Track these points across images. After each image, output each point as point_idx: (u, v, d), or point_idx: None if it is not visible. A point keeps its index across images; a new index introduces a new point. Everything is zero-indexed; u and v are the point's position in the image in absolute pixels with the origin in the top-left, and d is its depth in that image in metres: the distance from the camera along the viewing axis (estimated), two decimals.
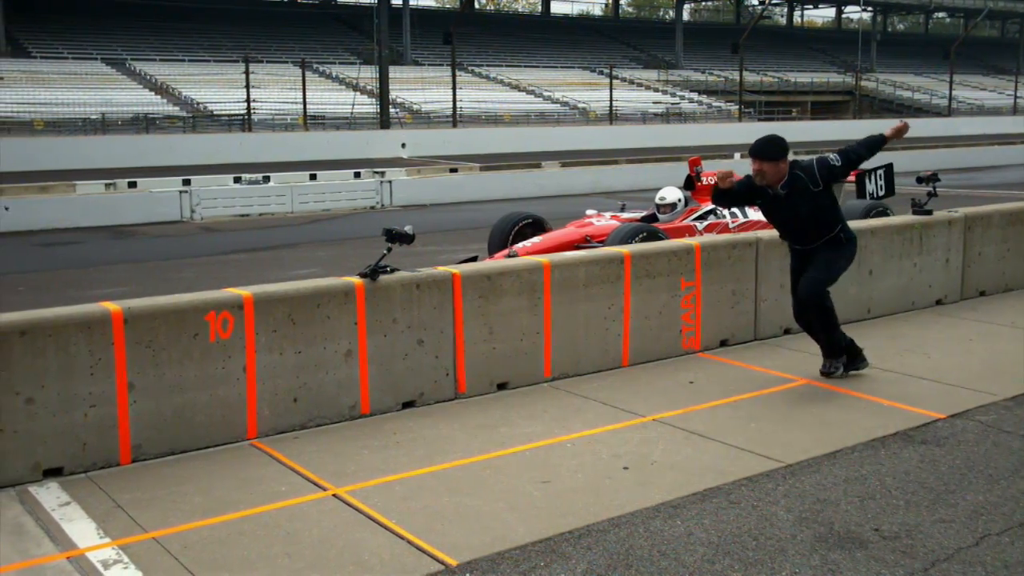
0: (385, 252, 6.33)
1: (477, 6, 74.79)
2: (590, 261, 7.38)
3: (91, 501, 5.02)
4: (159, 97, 40.00)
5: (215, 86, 40.54)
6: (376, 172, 23.97)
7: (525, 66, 55.48)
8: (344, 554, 4.46)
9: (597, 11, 77.18)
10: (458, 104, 37.95)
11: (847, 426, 6.16)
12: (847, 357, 7.20)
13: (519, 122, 42.35)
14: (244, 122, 35.78)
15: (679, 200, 11.75)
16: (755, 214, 11.54)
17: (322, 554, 4.46)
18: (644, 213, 12.08)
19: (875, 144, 6.97)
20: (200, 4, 50.47)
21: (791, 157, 6.98)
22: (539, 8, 72.18)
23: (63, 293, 11.44)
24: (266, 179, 22.13)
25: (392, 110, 39.27)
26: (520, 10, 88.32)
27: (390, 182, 22.96)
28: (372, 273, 6.32)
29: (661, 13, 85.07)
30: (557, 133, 38.44)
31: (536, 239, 10.86)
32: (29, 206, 19.07)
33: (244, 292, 5.93)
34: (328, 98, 40.91)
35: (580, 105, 47.15)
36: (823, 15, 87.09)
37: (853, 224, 8.77)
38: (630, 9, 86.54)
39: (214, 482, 5.28)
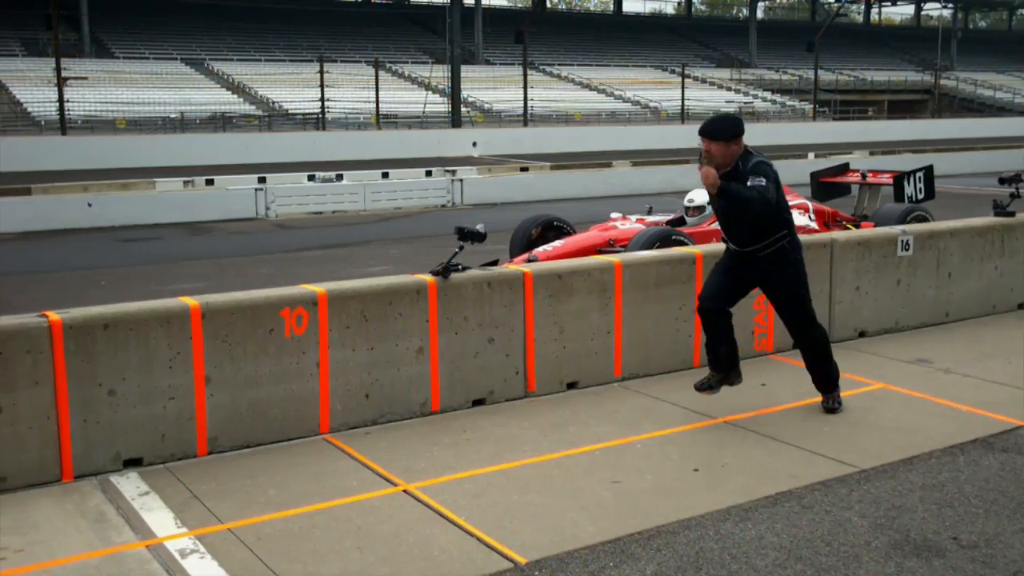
0: (457, 250, 6.36)
1: (549, 5, 74.82)
2: (662, 261, 7.34)
3: (169, 491, 5.14)
4: (236, 96, 40.73)
5: (290, 85, 41.12)
6: (447, 171, 24.11)
7: (596, 65, 55.31)
8: (414, 550, 4.50)
9: (669, 9, 76.70)
10: (529, 103, 37.99)
11: (924, 432, 6.03)
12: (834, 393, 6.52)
13: (590, 121, 42.23)
14: (318, 121, 36.27)
15: (707, 203, 11.24)
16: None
17: (393, 549, 4.50)
18: (672, 216, 11.72)
19: (742, 194, 5.96)
20: (277, 5, 51.28)
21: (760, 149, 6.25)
22: (611, 7, 71.85)
23: (143, 288, 11.72)
24: (339, 177, 22.40)
25: (463, 109, 39.46)
26: (592, 9, 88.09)
27: (461, 181, 23.07)
28: (444, 271, 6.36)
29: (735, 11, 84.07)
30: (628, 132, 38.24)
31: (557, 243, 10.47)
32: (111, 202, 19.57)
33: (318, 289, 6.01)
34: (400, 97, 41.24)
35: (651, 104, 46.86)
36: (902, 12, 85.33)
37: (886, 230, 8.59)
38: (703, 7, 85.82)
39: (287, 475, 5.36)
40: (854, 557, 4.40)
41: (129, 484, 5.25)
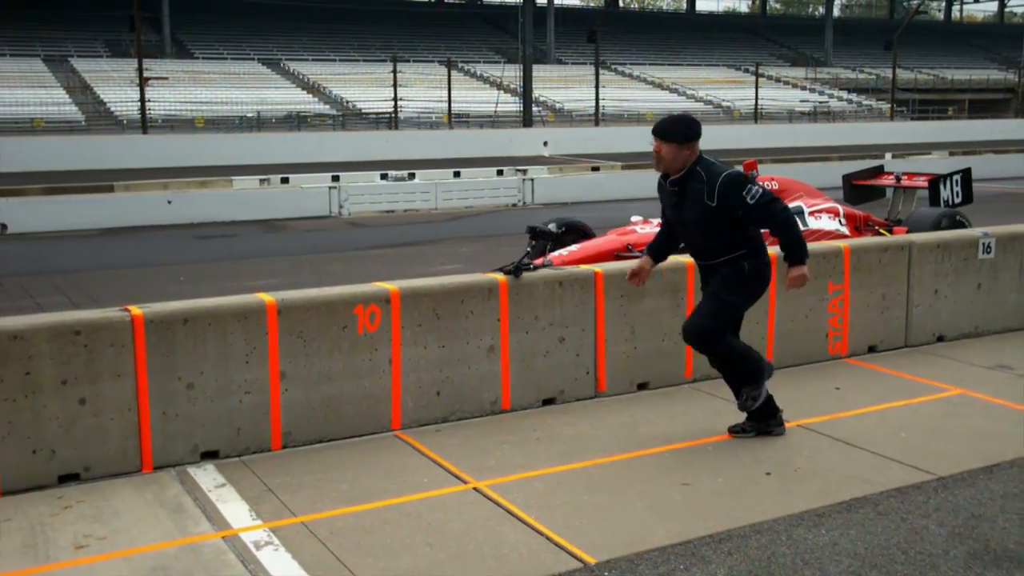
0: (529, 249, 6.38)
1: (621, 4, 74.49)
2: None
3: (244, 484, 5.24)
4: (311, 96, 41.31)
5: (364, 85, 41.57)
6: (518, 170, 24.16)
7: (668, 64, 54.97)
8: (484, 547, 4.52)
9: (743, 8, 75.85)
10: (600, 102, 37.89)
11: (1005, 439, 5.88)
12: (759, 418, 5.92)
13: None
14: (391, 120, 36.60)
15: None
16: (815, 222, 11.01)
17: (463, 546, 4.53)
18: None
19: (797, 241, 5.56)
20: (351, 5, 51.87)
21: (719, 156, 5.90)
22: (684, 6, 71.33)
23: (220, 284, 11.94)
24: (411, 176, 22.59)
25: (535, 108, 39.50)
26: (665, 8, 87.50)
27: (532, 180, 23.11)
28: (516, 270, 6.38)
29: (810, 9, 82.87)
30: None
31: (574, 247, 9.90)
32: (190, 200, 19.99)
33: (391, 286, 6.07)
34: (472, 96, 41.43)
35: (724, 104, 46.43)
36: (984, 9, 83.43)
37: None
38: (777, 6, 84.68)
39: (359, 471, 5.43)
40: (931, 566, 4.31)
41: (206, 476, 5.36)
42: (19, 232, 17.95)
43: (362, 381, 5.95)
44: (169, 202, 19.62)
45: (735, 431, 5.94)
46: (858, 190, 13.34)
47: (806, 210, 11.12)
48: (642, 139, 35.15)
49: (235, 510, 4.91)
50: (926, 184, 12.57)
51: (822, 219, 11.12)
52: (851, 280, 7.64)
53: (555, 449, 5.79)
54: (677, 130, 5.60)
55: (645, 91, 47.85)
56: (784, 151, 31.55)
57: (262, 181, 21.79)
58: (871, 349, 7.82)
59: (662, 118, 5.80)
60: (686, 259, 7.09)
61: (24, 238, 17.53)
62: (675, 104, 45.89)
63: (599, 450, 5.75)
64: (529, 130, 35.86)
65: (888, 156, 29.23)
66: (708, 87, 49.39)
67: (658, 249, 6.08)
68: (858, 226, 11.62)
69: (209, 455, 5.57)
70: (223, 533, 4.67)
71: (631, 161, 27.74)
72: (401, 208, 21.21)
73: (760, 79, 42.95)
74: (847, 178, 13.49)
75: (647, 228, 10.50)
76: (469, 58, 50.09)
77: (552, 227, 6.13)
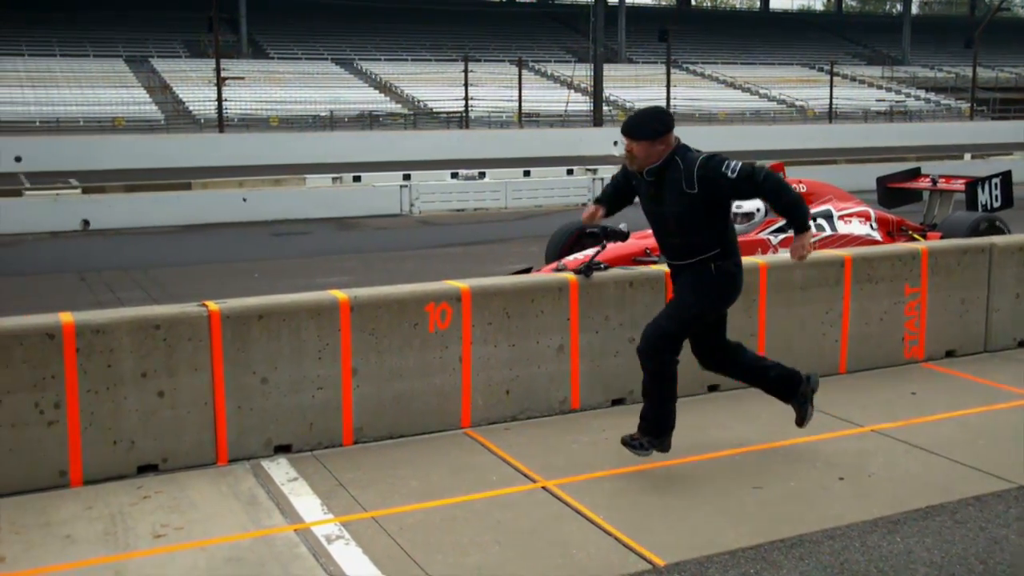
0: (600, 248, 6.37)
1: (693, 3, 73.89)
2: (808, 263, 7.16)
3: (316, 478, 5.31)
4: (383, 95, 41.71)
5: (435, 84, 41.86)
6: (588, 169, 24.12)
7: (741, 63, 54.39)
8: (552, 547, 4.52)
9: (818, 6, 74.70)
10: (672, 102, 37.64)
11: None
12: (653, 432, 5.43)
13: (733, 120, 41.57)
14: (462, 119, 36.79)
15: (757, 210, 10.68)
16: (845, 226, 10.74)
17: (531, 545, 4.54)
18: None
19: (792, 203, 5.24)
20: (424, 5, 52.29)
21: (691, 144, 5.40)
22: (757, 4, 70.48)
23: (294, 280, 12.13)
24: (481, 175, 22.70)
25: (605, 108, 39.38)
26: (738, 6, 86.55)
27: (602, 179, 23.01)
28: (586, 270, 6.37)
29: (887, 7, 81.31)
30: (773, 131, 37.49)
31: (589, 251, 9.53)
32: (264, 198, 20.34)
33: (462, 285, 6.11)
34: (543, 96, 41.48)
35: (798, 103, 45.81)
36: None
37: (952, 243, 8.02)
38: (853, 3, 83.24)
39: (429, 467, 5.47)
40: None
41: (279, 470, 5.44)
42: (100, 228, 18.44)
43: (432, 378, 5.99)
44: (244, 200, 19.98)
45: (627, 442, 5.40)
46: (893, 193, 12.85)
47: (835, 214, 10.85)
48: (714, 139, 35.12)
49: (307, 504, 4.98)
50: (963, 187, 12.12)
51: (852, 223, 10.88)
52: (929, 283, 7.49)
53: (624, 450, 5.74)
54: (645, 127, 5.24)
55: (717, 90, 47.44)
56: (859, 151, 31.01)
57: (335, 179, 22.09)
58: (949, 354, 7.65)
59: (630, 115, 5.48)
60: (760, 260, 7.03)
61: (105, 234, 18.01)
62: (747, 103, 45.41)
63: (669, 452, 5.70)
64: (599, 129, 35.79)
65: (967, 156, 28.59)
66: (781, 86, 48.78)
67: (610, 201, 5.72)
68: (891, 231, 11.25)
69: (282, 449, 5.66)
70: (295, 526, 4.74)
71: None
72: (471, 207, 21.31)
73: (835, 78, 42.32)
74: (881, 180, 12.99)
75: None
76: (540, 57, 50.14)
77: (623, 227, 6.09)
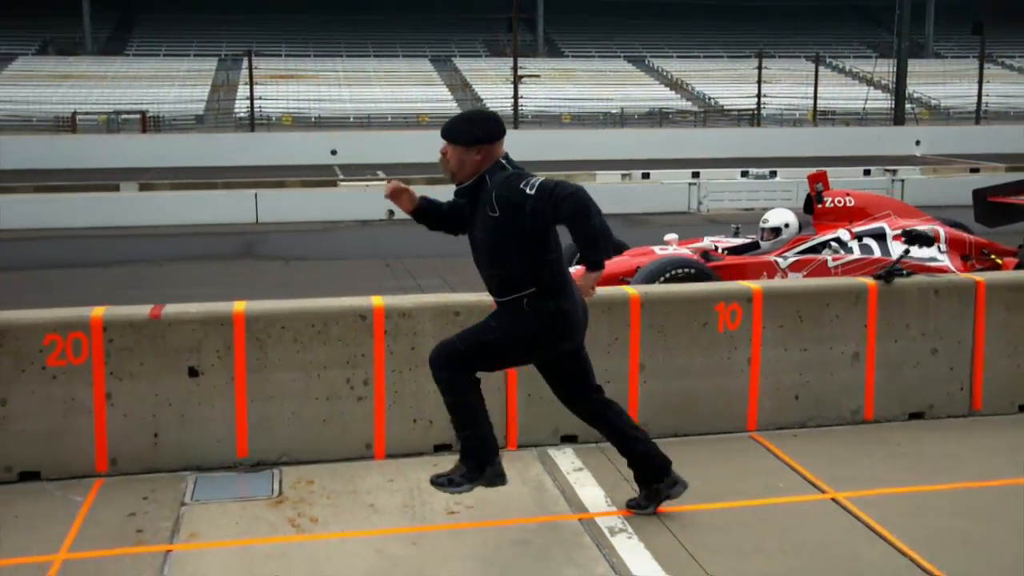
0: (902, 254, 6.07)
1: None
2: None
3: (601, 470, 5.40)
4: (673, 92, 41.65)
5: (727, 81, 41.29)
6: (887, 170, 22.97)
7: None
8: (840, 561, 4.37)
9: None
10: (983, 98, 35.10)
11: None
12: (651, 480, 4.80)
13: None
14: (753, 117, 36.06)
15: (784, 225, 9.66)
16: (899, 247, 9.10)
17: (817, 557, 4.41)
18: (749, 240, 10.04)
19: (589, 235, 4.30)
20: (718, 1, 51.57)
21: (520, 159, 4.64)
22: None
23: None
24: (772, 174, 22.16)
25: (907, 105, 37.30)
26: None
27: (902, 181, 21.89)
28: (887, 275, 6.09)
29: None
30: None
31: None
32: None
33: (754, 285, 6.01)
34: (839, 93, 39.91)
35: None
36: None
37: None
38: None
39: (712, 468, 5.42)
40: None
41: (565, 459, 5.58)
42: (403, 219, 19.56)
43: (719, 379, 5.94)
44: None
45: (631, 506, 4.87)
46: (995, 209, 10.51)
47: (889, 233, 9.44)
48: None
49: (591, 494, 5.09)
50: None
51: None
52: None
53: (920, 467, 5.46)
54: (461, 128, 4.44)
55: None
56: None
57: (623, 176, 22.32)
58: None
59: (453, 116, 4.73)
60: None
61: (407, 223, 19.08)
62: None
63: (971, 473, 5.35)
64: (900, 128, 33.96)
65: None
66: None
67: (427, 205, 4.82)
68: (967, 254, 9.58)
69: (568, 439, 5.80)
70: (580, 515, 4.85)
71: (1016, 163, 25.46)
72: (761, 206, 20.78)
73: None
74: (980, 194, 10.71)
75: (668, 250, 9.44)
76: (838, 53, 48.24)
77: (928, 229, 5.78)
